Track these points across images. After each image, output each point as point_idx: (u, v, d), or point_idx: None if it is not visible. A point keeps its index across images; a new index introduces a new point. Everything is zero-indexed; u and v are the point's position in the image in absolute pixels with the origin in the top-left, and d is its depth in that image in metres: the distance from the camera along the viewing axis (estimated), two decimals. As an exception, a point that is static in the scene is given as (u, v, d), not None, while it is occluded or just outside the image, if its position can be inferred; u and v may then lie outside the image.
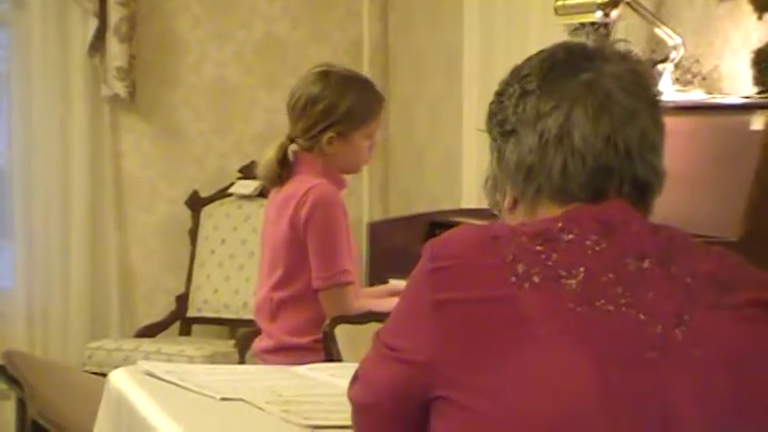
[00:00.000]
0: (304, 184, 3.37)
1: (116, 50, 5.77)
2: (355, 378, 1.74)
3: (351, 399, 1.74)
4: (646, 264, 1.59)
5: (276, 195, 3.47)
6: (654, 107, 1.70)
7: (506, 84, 1.73)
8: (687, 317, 1.56)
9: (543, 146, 1.66)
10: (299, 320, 3.37)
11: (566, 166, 1.65)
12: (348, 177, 3.58)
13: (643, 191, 1.67)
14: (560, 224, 1.61)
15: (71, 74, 5.86)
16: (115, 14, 5.75)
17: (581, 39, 3.81)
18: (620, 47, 1.74)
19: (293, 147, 3.45)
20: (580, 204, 1.64)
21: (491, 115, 1.75)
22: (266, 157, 3.44)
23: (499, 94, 1.74)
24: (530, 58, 1.74)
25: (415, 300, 1.62)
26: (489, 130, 1.75)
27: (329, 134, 3.38)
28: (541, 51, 1.74)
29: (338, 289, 3.33)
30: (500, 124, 1.72)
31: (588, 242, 1.60)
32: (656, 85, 1.75)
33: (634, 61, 1.72)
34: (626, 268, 1.58)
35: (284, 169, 3.42)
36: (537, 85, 1.68)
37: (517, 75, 1.72)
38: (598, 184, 1.65)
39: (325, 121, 3.38)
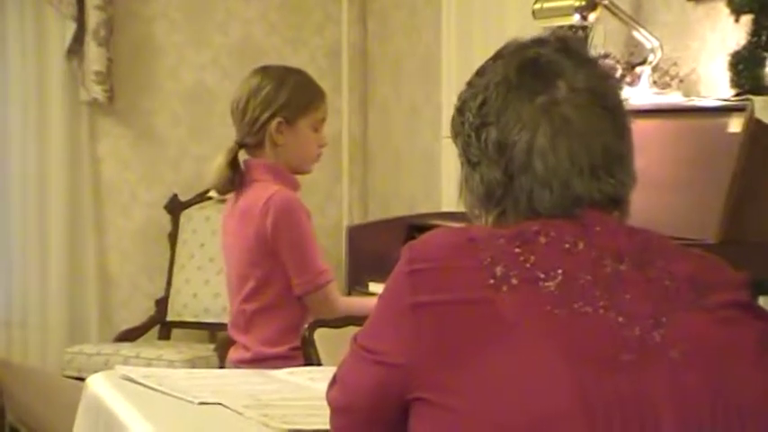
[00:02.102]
0: (262, 192, 3.35)
1: (94, 54, 5.76)
2: (334, 381, 1.74)
3: (329, 402, 1.75)
4: (623, 266, 1.59)
5: (234, 207, 3.43)
6: (615, 115, 1.68)
7: (463, 103, 1.72)
8: (665, 319, 1.56)
9: (509, 179, 1.66)
10: (274, 330, 3.35)
11: (532, 193, 1.65)
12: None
13: (614, 201, 1.67)
14: (537, 227, 1.62)
15: (49, 78, 5.85)
16: (93, 18, 5.74)
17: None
18: (575, 48, 1.72)
19: (243, 155, 3.45)
20: (550, 217, 1.64)
21: (455, 134, 1.74)
22: (216, 162, 3.43)
23: (459, 112, 1.73)
24: (483, 72, 1.72)
25: (392, 302, 1.62)
26: (455, 143, 1.75)
27: (276, 121, 3.37)
28: (495, 64, 1.72)
29: (321, 290, 3.33)
30: (464, 151, 1.72)
31: (566, 245, 1.60)
32: (615, 89, 1.73)
33: (588, 69, 1.69)
34: (603, 270, 1.58)
35: (235, 174, 3.41)
36: (495, 117, 1.67)
37: (473, 100, 1.70)
38: (567, 206, 1.65)
39: (269, 110, 3.38)
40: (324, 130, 3.49)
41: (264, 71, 3.49)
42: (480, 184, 1.69)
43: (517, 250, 1.58)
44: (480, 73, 1.73)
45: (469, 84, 1.74)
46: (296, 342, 3.22)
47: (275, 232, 3.30)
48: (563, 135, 1.64)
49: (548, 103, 1.65)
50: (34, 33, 5.82)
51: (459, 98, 1.74)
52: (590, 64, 1.72)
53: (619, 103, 1.71)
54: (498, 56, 1.73)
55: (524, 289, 1.55)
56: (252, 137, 3.41)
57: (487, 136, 1.67)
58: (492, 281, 1.56)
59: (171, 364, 5.30)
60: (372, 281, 3.89)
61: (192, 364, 5.33)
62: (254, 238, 3.33)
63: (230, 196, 3.47)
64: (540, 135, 1.64)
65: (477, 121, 1.69)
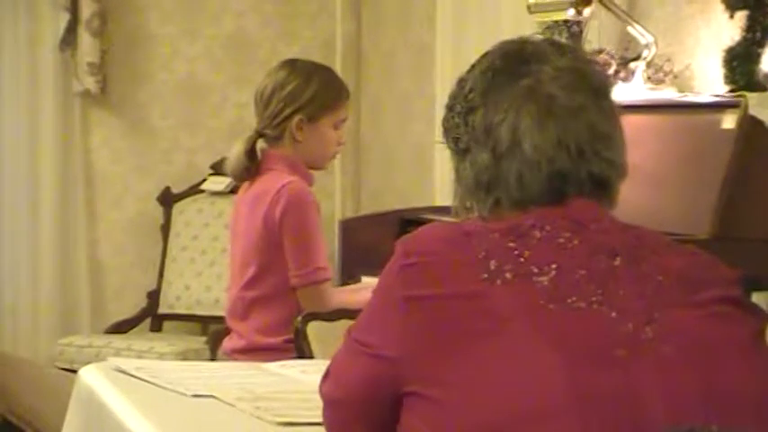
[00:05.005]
0: (276, 181, 3.36)
1: (87, 45, 5.75)
2: (327, 374, 1.75)
3: (322, 394, 1.75)
4: (617, 261, 1.60)
5: (246, 193, 3.45)
6: (600, 96, 1.70)
7: (453, 98, 1.75)
8: (657, 314, 1.56)
9: (497, 161, 1.67)
10: (271, 319, 3.36)
11: (521, 176, 1.65)
12: (317, 175, 3.57)
13: (602, 186, 1.68)
14: (531, 221, 1.62)
15: (42, 68, 5.84)
16: (87, 9, 5.73)
17: (555, 35, 3.82)
18: (560, 42, 1.74)
19: (261, 144, 3.45)
20: (542, 206, 1.65)
21: (445, 131, 1.76)
22: (235, 150, 3.43)
23: (449, 109, 1.75)
24: (472, 68, 1.75)
25: (386, 296, 1.63)
26: (447, 145, 1.76)
27: (298, 117, 3.38)
28: (482, 58, 1.74)
29: (316, 286, 3.33)
30: (454, 142, 1.73)
31: (561, 239, 1.60)
32: (599, 73, 1.75)
33: (572, 55, 1.72)
34: (597, 266, 1.59)
35: (252, 163, 3.41)
36: (481, 100, 1.69)
37: (461, 90, 1.73)
38: (556, 188, 1.65)
39: (293, 105, 3.38)
40: (343, 129, 3.49)
41: (293, 65, 3.47)
42: (470, 170, 1.70)
43: (511, 245, 1.59)
44: (469, 70, 1.76)
45: (458, 81, 1.76)
46: (291, 334, 3.22)
47: (283, 221, 3.31)
48: (548, 114, 1.65)
49: (531, 86, 1.67)
50: (27, 24, 5.82)
51: (449, 96, 1.75)
52: (574, 51, 1.74)
53: (604, 84, 1.72)
54: (485, 53, 1.76)
55: (518, 283, 1.56)
56: (272, 129, 3.42)
57: (474, 119, 1.69)
58: (486, 275, 1.56)
59: (162, 356, 5.30)
60: (365, 274, 3.89)
61: (184, 356, 5.33)
62: (261, 223, 3.33)
63: (245, 184, 3.48)
64: (525, 114, 1.65)
65: (465, 107, 1.71)
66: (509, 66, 1.69)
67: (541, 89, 1.66)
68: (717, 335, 1.58)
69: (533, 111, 1.65)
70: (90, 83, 5.78)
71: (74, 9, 5.73)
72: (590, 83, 1.69)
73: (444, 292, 1.57)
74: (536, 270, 1.57)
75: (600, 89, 1.71)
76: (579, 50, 1.75)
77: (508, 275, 1.56)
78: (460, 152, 1.72)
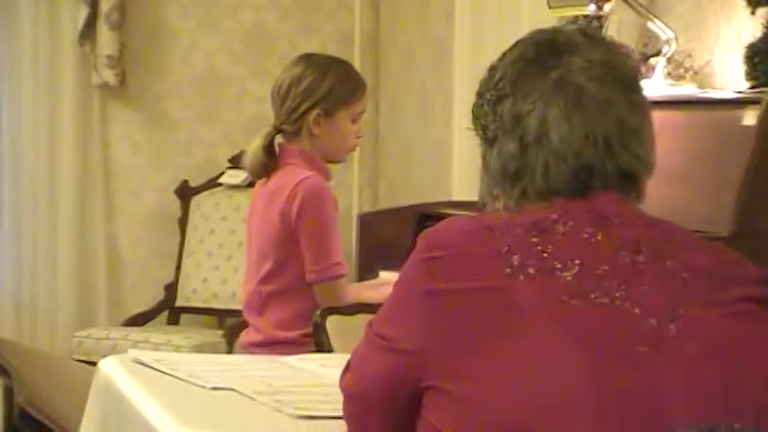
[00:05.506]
0: (293, 176, 3.36)
1: (107, 38, 5.76)
2: (347, 367, 1.74)
3: (342, 388, 1.75)
4: (641, 257, 1.59)
5: (263, 188, 3.45)
6: (630, 90, 1.69)
7: (484, 85, 1.74)
8: (681, 311, 1.56)
9: (524, 151, 1.66)
10: (288, 314, 3.36)
11: (548, 167, 1.65)
12: (335, 169, 3.57)
13: (630, 179, 1.67)
14: (555, 215, 1.61)
15: (61, 61, 5.85)
16: (106, 2, 5.74)
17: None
18: (592, 32, 1.73)
19: (279, 139, 3.45)
20: (567, 198, 1.64)
21: (475, 118, 1.75)
22: (252, 146, 3.43)
23: (479, 96, 1.74)
24: (503, 56, 1.74)
25: (408, 289, 1.62)
26: (476, 133, 1.75)
27: (315, 112, 3.38)
28: (514, 47, 1.74)
29: (332, 281, 3.33)
30: (483, 130, 1.73)
31: (584, 234, 1.60)
32: (631, 66, 1.73)
33: (605, 47, 1.71)
34: (621, 261, 1.58)
35: (271, 159, 3.41)
36: (510, 89, 1.68)
37: (491, 78, 1.72)
38: (582, 180, 1.64)
39: (310, 100, 3.38)
40: (361, 122, 3.49)
41: (308, 60, 3.47)
42: (497, 159, 1.69)
43: (534, 240, 1.58)
44: (500, 58, 1.75)
45: (489, 68, 1.75)
46: (308, 329, 3.22)
47: (300, 215, 3.31)
48: (577, 106, 1.64)
49: (561, 77, 1.66)
50: (47, 17, 5.83)
51: (480, 83, 1.75)
52: (607, 42, 1.73)
53: (635, 78, 1.71)
54: (517, 42, 1.75)
55: (541, 279, 1.55)
56: (290, 124, 3.42)
57: (503, 108, 1.68)
58: (509, 270, 1.55)
59: (179, 348, 5.31)
60: (383, 268, 3.88)
61: (200, 349, 5.33)
62: (278, 218, 3.33)
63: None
64: (554, 105, 1.64)
65: (494, 96, 1.70)
66: (540, 56, 1.69)
67: (571, 81, 1.66)
68: (741, 333, 1.57)
69: (562, 102, 1.64)
70: (109, 76, 5.79)
71: (93, 2, 5.74)
72: (620, 76, 1.68)
73: (467, 287, 1.56)
74: (559, 266, 1.56)
75: (631, 83, 1.69)
76: (613, 42, 1.73)
77: (531, 271, 1.55)
78: (488, 141, 1.71)
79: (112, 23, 5.76)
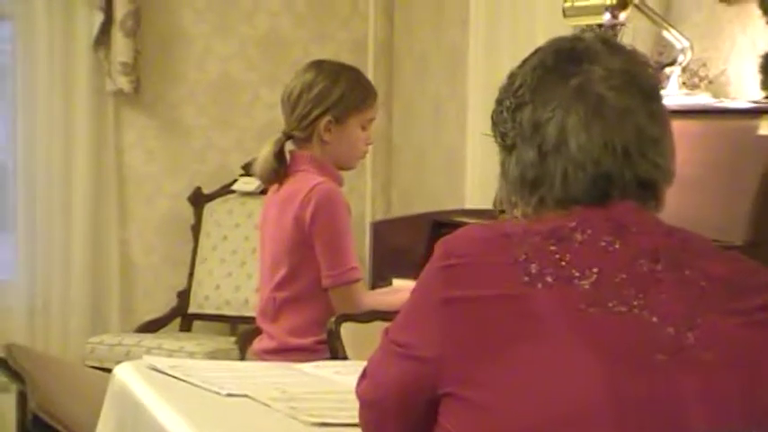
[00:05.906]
0: (306, 182, 3.36)
1: (121, 45, 5.77)
2: (363, 375, 1.74)
3: (358, 395, 1.75)
4: (659, 266, 1.59)
5: (275, 195, 3.46)
6: (649, 99, 1.68)
7: (503, 92, 1.74)
8: (699, 320, 1.56)
9: (543, 158, 1.66)
10: (302, 321, 3.36)
11: (566, 175, 1.65)
12: (347, 176, 3.57)
13: (648, 188, 1.67)
14: (573, 224, 1.61)
15: (75, 68, 5.86)
16: (121, 9, 5.74)
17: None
18: (612, 41, 1.73)
19: (290, 146, 3.45)
20: (585, 206, 1.64)
21: (494, 125, 1.75)
22: (263, 152, 3.44)
23: (498, 102, 1.74)
24: (523, 63, 1.74)
25: (425, 296, 1.62)
26: (495, 139, 1.75)
27: (326, 119, 3.38)
28: (534, 54, 1.74)
29: (348, 286, 3.33)
30: (502, 137, 1.72)
31: (602, 243, 1.59)
32: (651, 75, 1.73)
33: (624, 55, 1.70)
34: (639, 270, 1.58)
35: (281, 166, 3.42)
36: (530, 96, 1.68)
37: (511, 86, 1.72)
38: (600, 188, 1.64)
39: (321, 107, 3.39)
40: (371, 129, 3.50)
41: (319, 66, 3.48)
42: (516, 167, 1.69)
43: (552, 248, 1.58)
44: (520, 65, 1.75)
45: (509, 75, 1.75)
46: (322, 335, 3.22)
47: (313, 221, 3.31)
48: (597, 114, 1.64)
49: (581, 86, 1.66)
50: (61, 23, 5.83)
51: (499, 90, 1.75)
52: (626, 51, 1.72)
53: (654, 87, 1.71)
54: (537, 49, 1.74)
55: (559, 287, 1.55)
56: (300, 131, 3.42)
57: (522, 115, 1.68)
58: (527, 278, 1.55)
59: (191, 355, 5.31)
60: (396, 276, 3.88)
61: (213, 356, 5.33)
62: (292, 225, 3.34)
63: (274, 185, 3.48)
64: (573, 114, 1.64)
65: (513, 103, 1.70)
66: (559, 64, 1.69)
67: (591, 89, 1.65)
68: (759, 341, 1.57)
69: (581, 111, 1.64)
70: (123, 82, 5.80)
71: (108, 9, 5.75)
72: (640, 85, 1.68)
73: (484, 294, 1.56)
74: (577, 274, 1.56)
75: (650, 92, 1.69)
76: (632, 51, 1.73)
77: (549, 279, 1.55)
78: (507, 148, 1.71)
79: (127, 30, 5.77)
